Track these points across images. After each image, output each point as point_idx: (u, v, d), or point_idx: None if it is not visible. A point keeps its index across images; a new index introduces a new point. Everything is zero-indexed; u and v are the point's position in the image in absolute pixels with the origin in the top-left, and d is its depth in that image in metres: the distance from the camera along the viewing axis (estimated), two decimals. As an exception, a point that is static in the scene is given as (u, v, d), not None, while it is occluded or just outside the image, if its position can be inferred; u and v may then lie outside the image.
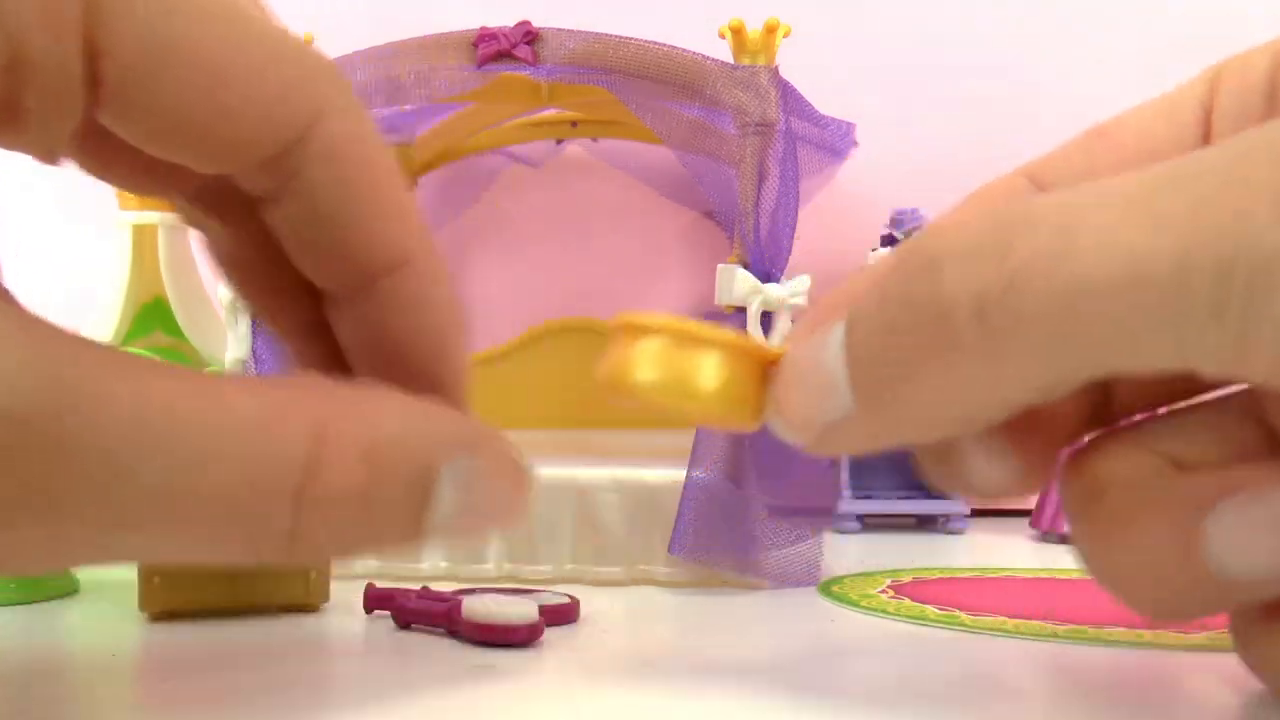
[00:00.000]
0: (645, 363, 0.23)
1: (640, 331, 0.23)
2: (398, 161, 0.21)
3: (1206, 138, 0.25)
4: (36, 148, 0.19)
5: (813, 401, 0.21)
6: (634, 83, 0.40)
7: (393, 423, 0.19)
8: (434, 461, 0.20)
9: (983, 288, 0.18)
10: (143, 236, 0.48)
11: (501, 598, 0.30)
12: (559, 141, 0.59)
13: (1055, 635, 0.31)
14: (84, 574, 0.39)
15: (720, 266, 0.40)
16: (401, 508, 0.19)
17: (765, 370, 0.23)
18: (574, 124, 0.55)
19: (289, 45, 0.19)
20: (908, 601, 0.35)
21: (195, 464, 0.17)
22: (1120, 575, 0.22)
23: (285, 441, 0.18)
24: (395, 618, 0.32)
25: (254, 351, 0.41)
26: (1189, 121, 0.25)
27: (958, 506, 0.53)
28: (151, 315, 0.50)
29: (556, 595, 0.33)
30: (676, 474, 0.38)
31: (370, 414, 0.19)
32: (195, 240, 0.22)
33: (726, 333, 0.23)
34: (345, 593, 0.35)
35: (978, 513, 0.57)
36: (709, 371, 0.22)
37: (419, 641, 0.30)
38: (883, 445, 0.21)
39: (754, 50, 0.40)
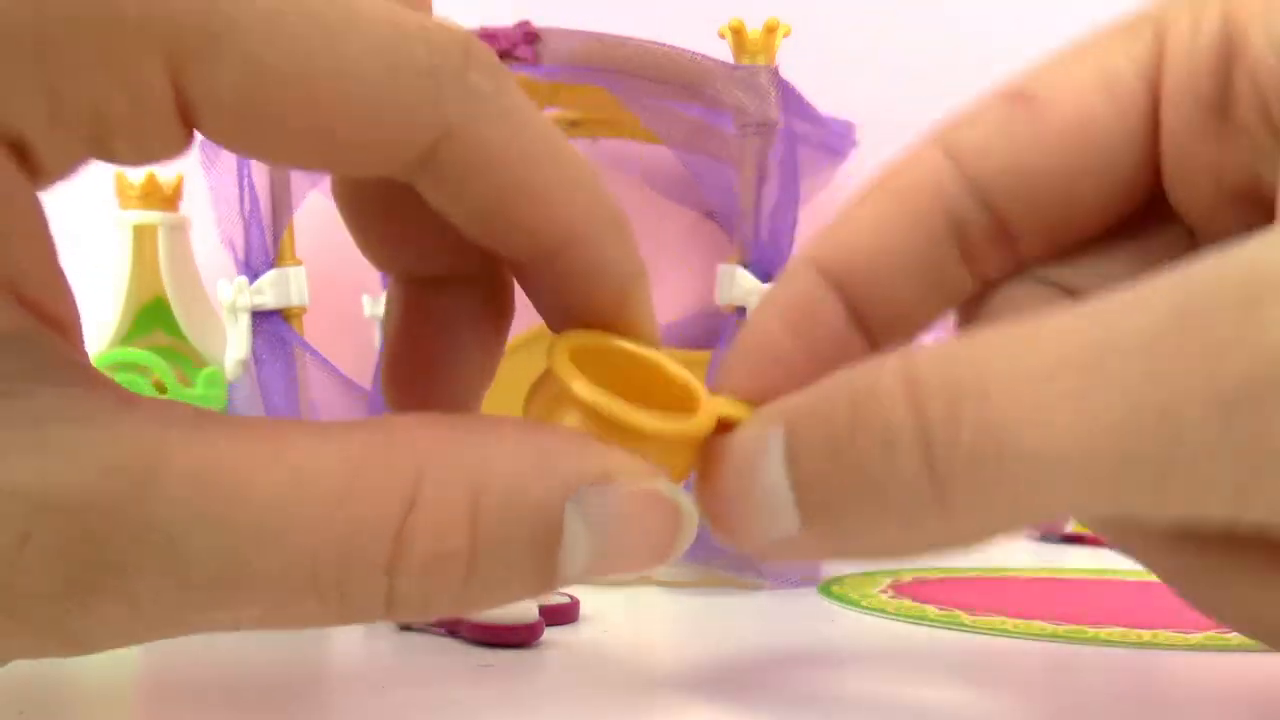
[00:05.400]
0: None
1: (560, 397, 0.20)
2: (555, 140, 0.19)
3: (1155, 131, 0.21)
4: (126, 164, 0.18)
5: (752, 520, 0.19)
6: (634, 83, 0.40)
7: (502, 464, 0.17)
8: (554, 502, 0.17)
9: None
10: (143, 236, 0.48)
11: (501, 598, 0.30)
12: (559, 141, 0.59)
13: (1055, 635, 0.31)
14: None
15: (720, 266, 0.40)
16: (522, 562, 0.17)
17: (705, 436, 0.20)
18: (574, 124, 0.55)
19: (406, 48, 0.17)
20: (908, 601, 0.35)
21: (263, 539, 0.16)
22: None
23: (371, 505, 0.16)
24: (395, 618, 0.31)
25: (254, 351, 0.41)
26: (1132, 101, 0.21)
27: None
28: (151, 315, 0.50)
29: (556, 595, 0.33)
30: (676, 474, 0.38)
31: (475, 460, 0.17)
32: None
33: (651, 420, 0.19)
34: (345, 593, 0.35)
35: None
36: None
37: (419, 641, 0.30)
38: (833, 558, 0.21)
39: (754, 50, 0.40)
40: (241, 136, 0.17)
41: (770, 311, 0.23)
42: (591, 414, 0.19)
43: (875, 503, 0.18)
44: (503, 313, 0.23)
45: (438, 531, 0.17)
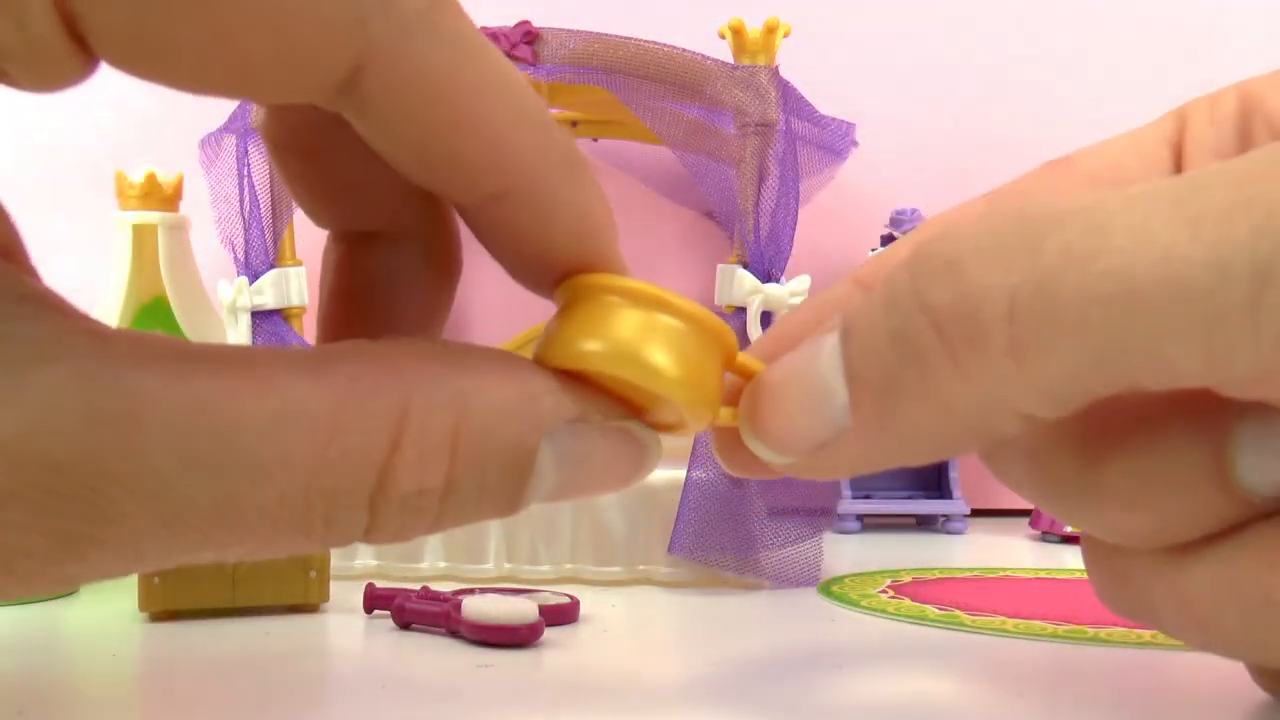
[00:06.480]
0: (591, 326, 0.18)
1: (592, 293, 0.19)
2: (500, 67, 0.17)
3: (1179, 170, 0.24)
4: (34, 90, 0.16)
5: (801, 419, 0.20)
6: (634, 83, 0.40)
7: (484, 399, 0.17)
8: (532, 441, 0.18)
9: (1014, 285, 0.17)
10: (143, 236, 0.48)
11: (501, 598, 0.30)
12: (559, 141, 0.59)
13: (1055, 635, 0.31)
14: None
15: (720, 266, 0.40)
16: (493, 492, 0.18)
17: (727, 368, 0.20)
18: (574, 124, 0.55)
19: None
20: (908, 601, 0.35)
21: (255, 478, 0.16)
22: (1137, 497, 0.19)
23: (359, 438, 0.16)
24: (395, 618, 0.32)
25: (254, 351, 0.41)
26: (1159, 156, 0.25)
27: (958, 506, 0.53)
28: (151, 315, 0.50)
29: (556, 595, 0.33)
30: (676, 474, 0.38)
31: (459, 391, 0.17)
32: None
33: (695, 306, 0.19)
34: (345, 593, 0.35)
35: (978, 513, 0.57)
36: (670, 344, 0.19)
37: (419, 641, 0.30)
38: (874, 466, 0.20)
39: (754, 50, 0.40)
40: (139, 56, 0.15)
41: (805, 305, 0.24)
42: (633, 295, 0.19)
43: (938, 368, 0.18)
44: (447, 269, 0.21)
45: (420, 468, 0.17)
